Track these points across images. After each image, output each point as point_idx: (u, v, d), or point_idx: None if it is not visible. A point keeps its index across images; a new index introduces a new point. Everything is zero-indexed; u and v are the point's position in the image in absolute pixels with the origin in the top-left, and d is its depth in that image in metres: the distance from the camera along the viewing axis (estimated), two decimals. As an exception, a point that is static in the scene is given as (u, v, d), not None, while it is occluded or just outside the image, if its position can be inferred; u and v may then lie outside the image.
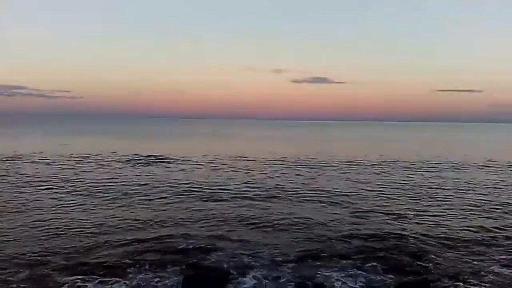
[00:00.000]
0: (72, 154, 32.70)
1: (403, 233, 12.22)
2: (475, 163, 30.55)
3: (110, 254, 10.13)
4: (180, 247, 10.71)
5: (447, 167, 28.70)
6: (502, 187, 20.94)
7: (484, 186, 20.89)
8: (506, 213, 15.15)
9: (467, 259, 10.15)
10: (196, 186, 19.65)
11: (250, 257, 10.02)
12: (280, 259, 9.98)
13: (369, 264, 9.71)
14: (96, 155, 32.83)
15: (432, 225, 13.25)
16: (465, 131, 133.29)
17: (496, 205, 16.45)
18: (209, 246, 10.75)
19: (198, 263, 9.65)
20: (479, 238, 11.90)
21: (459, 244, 11.30)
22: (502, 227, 13.06)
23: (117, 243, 10.98)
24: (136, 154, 33.06)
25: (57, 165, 26.51)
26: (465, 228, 12.98)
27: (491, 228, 12.91)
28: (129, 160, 29.96)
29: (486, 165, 30.10)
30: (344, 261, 9.91)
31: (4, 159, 28.57)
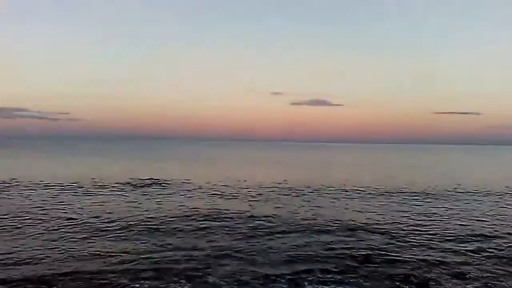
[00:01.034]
0: (71, 179, 32.92)
1: (399, 257, 12.45)
2: (474, 190, 30.76)
3: (109, 278, 10.30)
4: (181, 266, 10.95)
5: (447, 194, 28.93)
6: (499, 214, 20.97)
7: (481, 213, 20.86)
8: (501, 238, 15.30)
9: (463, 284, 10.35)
10: (194, 209, 19.86)
11: (248, 276, 10.25)
12: (277, 275, 10.24)
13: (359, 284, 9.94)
14: (95, 178, 33.09)
15: (430, 251, 13.43)
16: (465, 154, 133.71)
17: (492, 231, 16.47)
18: (206, 268, 10.99)
19: (197, 283, 9.88)
20: (476, 264, 12.08)
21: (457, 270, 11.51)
22: (496, 253, 13.22)
23: (116, 266, 11.18)
24: (134, 178, 33.32)
25: (56, 190, 26.71)
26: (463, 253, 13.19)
27: (488, 251, 13.13)
28: (128, 183, 30.20)
29: (484, 191, 30.33)
30: (336, 279, 10.13)
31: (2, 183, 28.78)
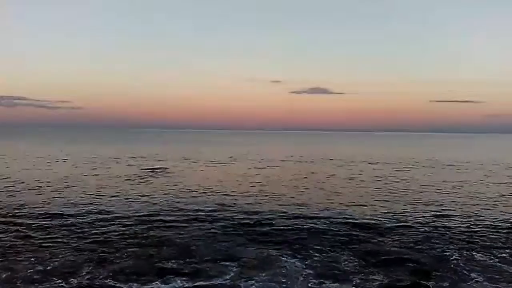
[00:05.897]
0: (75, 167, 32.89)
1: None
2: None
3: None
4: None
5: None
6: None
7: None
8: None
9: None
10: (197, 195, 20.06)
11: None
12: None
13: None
14: (97, 167, 33.21)
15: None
16: (467, 144, 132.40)
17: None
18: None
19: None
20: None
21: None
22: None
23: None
24: (142, 169, 33.41)
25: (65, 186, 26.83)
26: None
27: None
28: (134, 174, 30.38)
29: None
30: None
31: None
